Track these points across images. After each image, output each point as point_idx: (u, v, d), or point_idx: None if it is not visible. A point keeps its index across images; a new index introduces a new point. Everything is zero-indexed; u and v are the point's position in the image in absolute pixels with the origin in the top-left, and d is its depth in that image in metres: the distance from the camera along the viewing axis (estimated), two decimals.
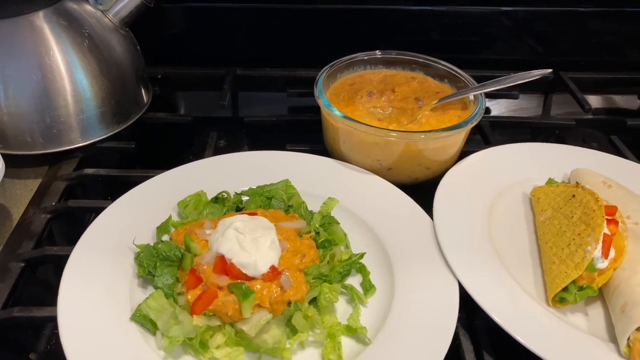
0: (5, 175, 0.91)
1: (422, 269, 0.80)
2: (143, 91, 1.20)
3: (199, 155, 1.05)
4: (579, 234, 0.80)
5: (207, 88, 1.36)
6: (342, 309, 0.78)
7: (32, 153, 1.04)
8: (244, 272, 0.72)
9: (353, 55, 1.10)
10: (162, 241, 0.81)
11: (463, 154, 1.03)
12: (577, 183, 0.89)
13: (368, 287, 0.79)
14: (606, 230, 0.79)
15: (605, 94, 1.42)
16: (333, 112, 0.96)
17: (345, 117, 0.95)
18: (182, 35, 1.38)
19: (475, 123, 0.96)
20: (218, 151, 1.12)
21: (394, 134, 0.92)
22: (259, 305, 0.70)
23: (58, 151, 1.05)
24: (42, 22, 1.03)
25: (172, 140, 1.18)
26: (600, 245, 0.77)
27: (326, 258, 0.80)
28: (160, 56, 1.31)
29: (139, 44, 1.19)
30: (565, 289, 0.76)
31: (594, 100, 1.39)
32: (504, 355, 0.75)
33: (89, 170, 1.02)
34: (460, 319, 0.79)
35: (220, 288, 0.71)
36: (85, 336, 0.68)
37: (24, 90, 1.00)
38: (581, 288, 0.76)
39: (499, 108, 1.39)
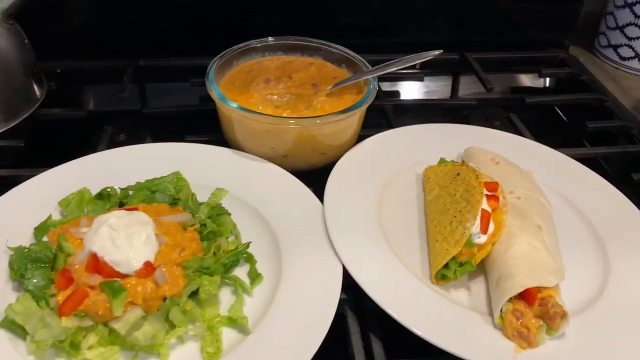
0: None
1: (309, 256, 0.80)
2: (35, 86, 1.14)
3: (93, 151, 1.02)
4: (460, 211, 0.81)
5: (109, 81, 1.31)
6: (228, 301, 0.77)
7: None
8: (116, 269, 0.70)
9: (245, 43, 1.08)
10: (36, 242, 0.77)
11: (362, 138, 1.04)
12: (462, 161, 0.91)
13: (254, 276, 0.79)
14: (486, 206, 0.81)
15: (509, 72, 1.45)
16: (224, 102, 0.94)
17: (236, 105, 0.93)
18: (83, 26, 1.32)
19: (366, 105, 0.96)
20: (116, 146, 1.08)
21: (290, 120, 0.92)
22: (132, 303, 0.68)
23: None
24: None
25: (66, 137, 1.13)
26: (478, 221, 0.79)
27: (211, 250, 0.79)
28: (60, 49, 1.26)
29: (31, 37, 1.13)
30: (446, 266, 0.78)
31: (499, 80, 1.42)
32: (391, 337, 0.76)
33: None
34: (348, 302, 0.80)
35: (92, 287, 0.69)
36: None
37: None
38: (462, 264, 0.78)
39: (408, 92, 1.40)
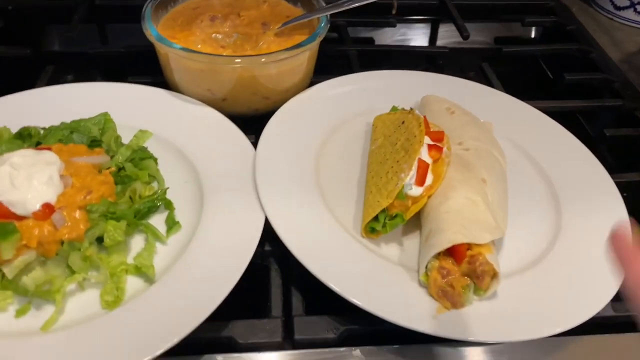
0: None
1: (232, 205, 0.75)
2: None
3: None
4: (398, 161, 0.75)
5: (62, 21, 1.24)
6: (141, 249, 0.72)
7: None
8: (12, 210, 0.65)
9: None
10: None
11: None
12: (410, 109, 0.83)
13: (172, 224, 0.74)
14: (426, 157, 0.74)
15: (492, 21, 1.35)
16: (159, 41, 0.87)
17: (170, 43, 0.86)
18: None
19: (312, 44, 0.89)
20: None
21: (226, 59, 0.85)
22: (27, 246, 0.64)
23: None
24: None
25: (6, 75, 1.08)
26: (414, 171, 0.72)
27: (126, 194, 0.74)
28: None
29: None
30: (377, 219, 0.72)
31: (481, 29, 1.33)
32: (313, 292, 0.71)
33: None
34: (273, 254, 0.75)
35: None
36: None
37: None
38: (393, 217, 0.72)
39: (381, 40, 1.31)
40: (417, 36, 1.35)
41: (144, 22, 0.91)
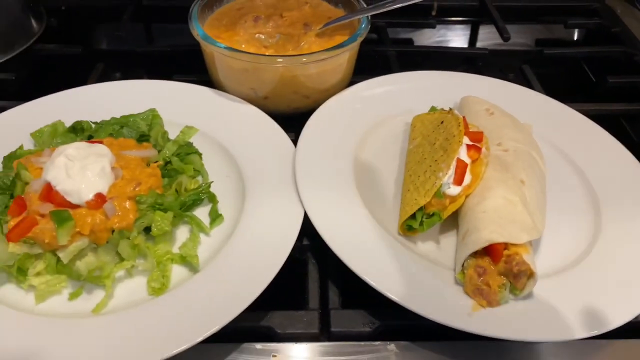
0: None
1: (273, 200, 0.77)
2: (33, 21, 1.14)
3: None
4: (436, 160, 0.76)
5: (111, 20, 1.29)
6: (185, 238, 0.75)
7: None
8: (67, 199, 0.69)
9: None
10: (2, 170, 0.77)
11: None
12: (450, 109, 0.84)
13: (215, 216, 0.77)
14: (464, 157, 0.75)
15: (531, 22, 1.33)
16: (205, 40, 0.90)
17: (215, 42, 0.89)
18: None
19: (353, 44, 0.90)
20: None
21: (270, 59, 0.87)
22: (80, 233, 0.68)
23: None
24: None
25: (59, 72, 1.13)
26: (452, 171, 0.73)
27: (172, 187, 0.77)
28: None
29: None
30: (414, 217, 0.73)
31: (523, 31, 1.32)
32: (350, 286, 0.73)
33: None
34: (312, 249, 0.77)
35: (43, 216, 0.68)
36: None
37: None
38: (430, 216, 0.73)
39: (420, 41, 1.32)
40: (457, 37, 1.35)
41: (190, 22, 0.94)
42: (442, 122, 0.81)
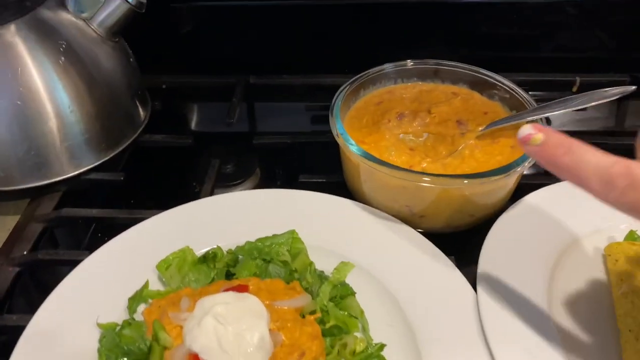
0: None
1: None
2: (140, 108, 1.04)
3: (199, 188, 0.92)
4: None
5: (216, 99, 1.19)
6: None
7: (8, 189, 0.90)
8: None
9: (378, 68, 0.90)
10: (129, 323, 0.64)
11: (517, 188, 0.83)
12: None
13: None
14: None
15: None
16: (353, 149, 0.76)
17: (365, 155, 0.75)
18: (190, 38, 1.21)
19: (532, 162, 0.74)
20: (223, 178, 0.97)
21: (426, 178, 0.72)
22: None
23: (38, 185, 0.91)
24: (13, 36, 0.88)
25: (169, 166, 1.02)
26: None
27: (335, 349, 0.62)
28: (163, 63, 1.16)
29: (135, 51, 1.03)
30: None
31: None
32: None
33: (68, 211, 0.87)
34: None
35: None
36: None
37: None
38: None
39: (559, 118, 1.15)
40: (601, 117, 1.17)
41: (333, 121, 0.81)
42: None
